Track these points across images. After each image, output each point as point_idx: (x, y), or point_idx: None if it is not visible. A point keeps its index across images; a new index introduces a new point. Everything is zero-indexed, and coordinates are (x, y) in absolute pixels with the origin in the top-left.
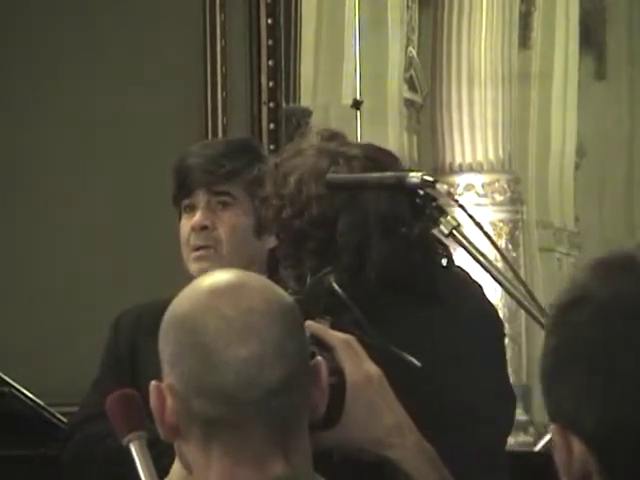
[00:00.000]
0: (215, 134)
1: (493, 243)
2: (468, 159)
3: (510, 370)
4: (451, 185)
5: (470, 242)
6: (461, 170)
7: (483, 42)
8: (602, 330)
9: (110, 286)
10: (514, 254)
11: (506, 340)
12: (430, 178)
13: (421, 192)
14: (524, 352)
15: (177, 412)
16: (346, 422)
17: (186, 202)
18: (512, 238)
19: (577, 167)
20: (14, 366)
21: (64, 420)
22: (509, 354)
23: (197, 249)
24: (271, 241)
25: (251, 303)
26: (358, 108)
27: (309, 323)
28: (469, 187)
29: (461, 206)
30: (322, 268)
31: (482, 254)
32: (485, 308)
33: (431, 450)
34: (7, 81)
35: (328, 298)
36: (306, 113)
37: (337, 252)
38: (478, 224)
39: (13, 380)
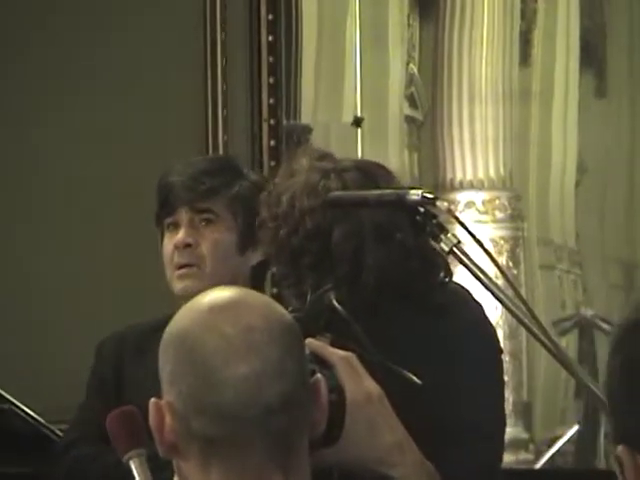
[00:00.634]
0: (216, 151)
1: (493, 260)
2: (469, 176)
3: (510, 387)
4: (452, 202)
5: (470, 259)
6: (462, 187)
7: (484, 59)
8: None
9: (111, 304)
10: (515, 271)
11: (506, 357)
12: (430, 195)
13: (421, 209)
14: (525, 369)
15: (176, 430)
16: (346, 440)
17: (169, 220)
18: (513, 255)
19: (578, 184)
20: (14, 383)
21: None
22: (510, 371)
23: (180, 267)
24: (254, 257)
25: (251, 321)
26: (359, 125)
27: (309, 341)
28: (470, 204)
29: (461, 223)
30: (320, 282)
31: (482, 271)
32: (485, 326)
33: (431, 468)
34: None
35: (328, 315)
36: (307, 130)
37: (333, 263)
38: (478, 241)
39: (13, 397)
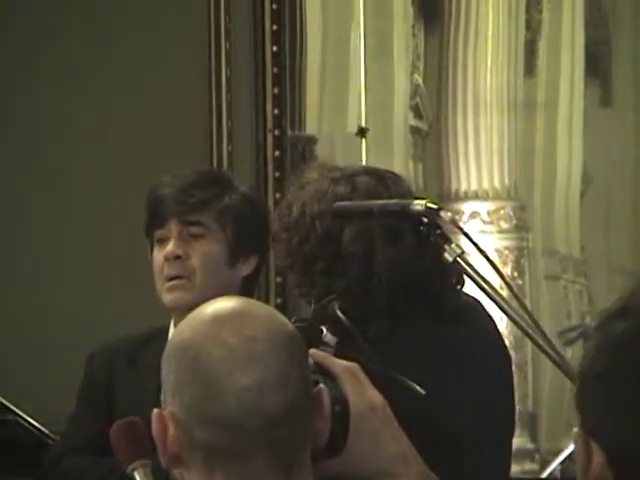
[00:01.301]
0: (220, 161)
1: (498, 271)
2: (473, 186)
3: (516, 398)
4: (456, 212)
5: (475, 270)
6: (466, 197)
7: (489, 70)
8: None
9: (112, 314)
10: (520, 282)
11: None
12: (434, 205)
13: (425, 220)
14: (530, 380)
15: (179, 440)
16: (350, 451)
17: (159, 233)
18: (518, 266)
19: (583, 194)
20: (18, 394)
21: None
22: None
23: (171, 279)
24: (245, 269)
25: (254, 331)
26: (364, 136)
27: (312, 351)
28: (474, 214)
29: (465, 234)
30: (332, 286)
31: (487, 282)
32: (497, 336)
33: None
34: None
35: (332, 325)
36: (311, 141)
37: (345, 265)
38: (483, 252)
39: (17, 407)
